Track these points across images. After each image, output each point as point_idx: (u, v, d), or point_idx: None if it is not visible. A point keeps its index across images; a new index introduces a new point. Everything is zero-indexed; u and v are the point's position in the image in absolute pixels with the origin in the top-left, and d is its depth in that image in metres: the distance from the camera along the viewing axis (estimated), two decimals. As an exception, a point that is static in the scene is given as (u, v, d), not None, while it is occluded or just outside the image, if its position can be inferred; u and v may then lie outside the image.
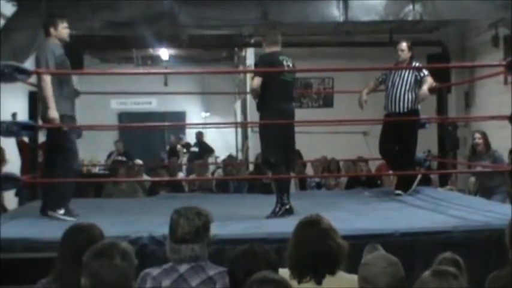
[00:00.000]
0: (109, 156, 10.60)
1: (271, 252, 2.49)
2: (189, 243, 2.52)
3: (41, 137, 5.90)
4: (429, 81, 5.82)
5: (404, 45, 5.97)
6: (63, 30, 4.92)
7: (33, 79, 5.17)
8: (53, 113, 4.70)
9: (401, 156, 5.94)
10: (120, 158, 10.22)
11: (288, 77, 4.95)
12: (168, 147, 12.02)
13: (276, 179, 5.06)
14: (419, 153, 6.65)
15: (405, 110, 5.84)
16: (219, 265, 2.59)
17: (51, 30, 4.89)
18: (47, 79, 4.71)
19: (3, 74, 4.52)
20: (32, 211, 5.02)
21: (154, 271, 2.55)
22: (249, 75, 9.32)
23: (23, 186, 5.72)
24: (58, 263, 2.57)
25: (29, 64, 6.35)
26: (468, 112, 11.08)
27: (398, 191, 5.93)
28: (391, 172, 6.94)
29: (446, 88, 7.13)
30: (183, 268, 2.51)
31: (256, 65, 5.10)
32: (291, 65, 4.97)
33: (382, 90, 6.11)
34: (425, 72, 5.87)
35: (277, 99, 4.84)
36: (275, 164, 4.89)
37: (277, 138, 4.85)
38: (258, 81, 4.81)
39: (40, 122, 5.16)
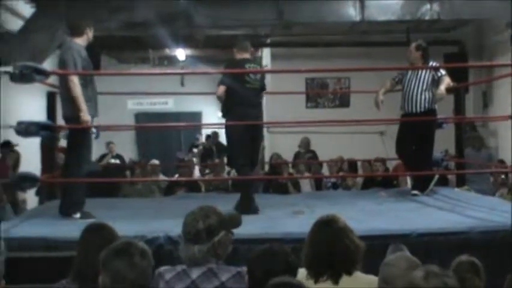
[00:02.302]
0: (102, 157, 10.37)
1: (291, 252, 2.48)
2: (196, 243, 2.48)
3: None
4: (446, 81, 5.76)
5: (411, 46, 5.99)
6: (92, 33, 5.02)
7: (51, 80, 5.20)
8: (86, 116, 4.69)
9: (418, 156, 5.89)
10: (113, 160, 10.14)
11: (253, 84, 5.21)
12: (201, 147, 11.92)
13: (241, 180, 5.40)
14: (437, 153, 6.60)
15: (422, 110, 5.80)
16: (234, 265, 2.56)
17: (87, 30, 4.95)
18: (75, 80, 4.69)
19: (22, 74, 4.55)
20: (50, 210, 5.06)
21: (167, 274, 2.52)
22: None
23: (41, 186, 5.75)
24: (76, 262, 2.56)
25: (47, 65, 6.41)
26: (486, 112, 10.99)
27: (415, 191, 5.90)
28: (407, 172, 6.90)
29: (463, 88, 7.06)
30: (195, 273, 2.47)
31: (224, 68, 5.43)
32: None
33: (399, 90, 6.07)
34: (443, 71, 5.82)
35: (239, 106, 5.15)
36: (241, 166, 5.28)
37: (240, 141, 5.15)
38: (222, 89, 5.15)
39: (60, 123, 5.18)
